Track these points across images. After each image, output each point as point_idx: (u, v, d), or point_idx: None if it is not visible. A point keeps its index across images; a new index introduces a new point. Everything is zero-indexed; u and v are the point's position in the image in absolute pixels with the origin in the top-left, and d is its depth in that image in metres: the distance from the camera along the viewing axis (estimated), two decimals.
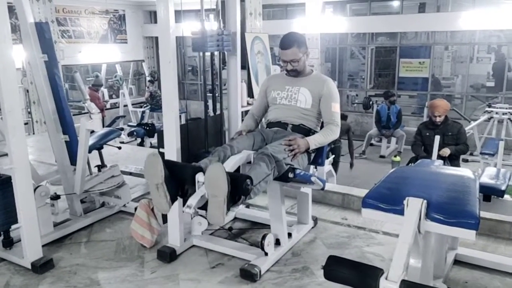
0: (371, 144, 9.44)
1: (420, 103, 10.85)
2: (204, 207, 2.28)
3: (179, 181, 2.38)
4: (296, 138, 2.64)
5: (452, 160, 4.51)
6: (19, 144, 2.60)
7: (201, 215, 2.98)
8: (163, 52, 2.74)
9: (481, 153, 6.52)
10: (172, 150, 2.80)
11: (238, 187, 2.17)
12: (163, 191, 2.28)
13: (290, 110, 2.85)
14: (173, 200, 2.35)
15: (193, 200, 2.22)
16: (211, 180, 2.14)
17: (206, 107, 3.32)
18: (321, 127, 2.90)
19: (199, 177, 2.30)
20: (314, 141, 2.71)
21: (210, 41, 2.99)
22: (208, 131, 3.26)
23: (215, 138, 3.36)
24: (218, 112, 3.48)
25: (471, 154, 7.74)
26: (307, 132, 2.83)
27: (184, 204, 2.28)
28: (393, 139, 9.06)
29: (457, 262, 2.73)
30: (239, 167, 2.57)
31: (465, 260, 2.73)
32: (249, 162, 2.59)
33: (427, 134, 4.66)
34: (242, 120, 3.40)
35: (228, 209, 2.17)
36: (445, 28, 10.11)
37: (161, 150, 2.93)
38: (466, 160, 7.43)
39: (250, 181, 2.21)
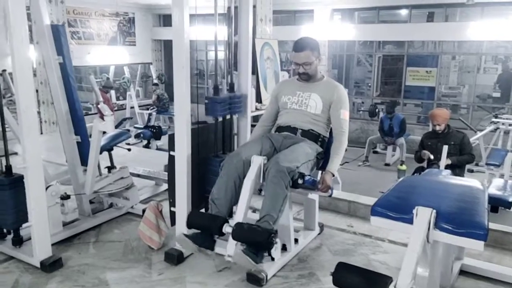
0: (376, 152, 9.44)
1: (426, 112, 10.84)
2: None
3: (211, 233, 2.56)
4: (324, 180, 2.68)
5: (454, 169, 4.47)
6: (33, 143, 2.64)
7: None
8: (177, 57, 2.76)
9: (486, 164, 6.50)
10: (183, 154, 2.83)
11: (264, 245, 2.38)
12: (204, 252, 2.55)
13: (300, 115, 2.88)
14: (212, 248, 2.58)
15: (230, 251, 2.44)
16: (239, 263, 2.42)
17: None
18: (330, 132, 2.93)
19: (227, 229, 2.47)
20: (335, 166, 2.77)
21: (221, 107, 3.06)
22: (217, 135, 3.29)
23: (224, 143, 3.38)
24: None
25: (477, 165, 7.72)
26: (316, 137, 2.86)
27: None
28: (398, 149, 9.05)
29: (463, 272, 2.74)
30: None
31: (471, 271, 2.74)
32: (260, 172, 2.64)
33: (429, 143, 4.67)
34: (252, 125, 3.43)
35: (261, 261, 2.43)
36: (453, 38, 10.12)
37: (171, 153, 2.95)
38: (471, 171, 7.41)
39: (273, 235, 2.38)
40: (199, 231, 2.56)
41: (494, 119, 7.98)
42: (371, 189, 5.43)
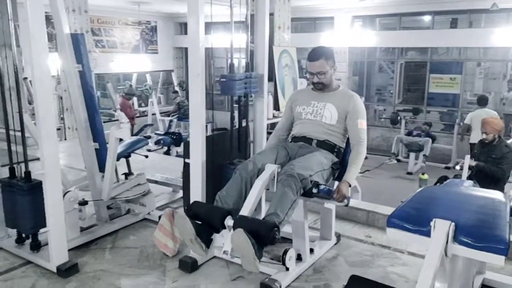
0: (399, 160, 9.27)
1: (451, 120, 10.58)
2: None
3: (210, 226, 2.48)
4: (339, 189, 2.62)
5: (481, 180, 3.94)
6: (51, 150, 2.68)
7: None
8: (192, 64, 2.78)
9: None
10: (197, 162, 2.83)
11: (266, 237, 2.25)
12: (197, 243, 2.42)
13: (315, 125, 2.84)
14: (208, 245, 2.48)
15: (228, 247, 2.33)
16: (237, 246, 2.26)
17: (232, 118, 3.34)
18: (347, 141, 2.88)
19: (228, 221, 2.38)
20: (352, 176, 2.69)
21: (238, 85, 3.04)
22: (233, 143, 3.28)
23: (240, 150, 3.37)
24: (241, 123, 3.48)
25: None
26: (332, 148, 2.82)
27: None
28: (421, 157, 8.87)
29: (484, 286, 2.63)
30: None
31: (493, 285, 2.64)
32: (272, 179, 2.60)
33: (476, 151, 4.39)
34: (268, 133, 3.41)
35: (260, 258, 2.26)
36: (477, 44, 9.91)
37: (186, 160, 2.96)
38: None
39: (277, 229, 2.26)
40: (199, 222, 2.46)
41: None
42: (392, 198, 5.31)
